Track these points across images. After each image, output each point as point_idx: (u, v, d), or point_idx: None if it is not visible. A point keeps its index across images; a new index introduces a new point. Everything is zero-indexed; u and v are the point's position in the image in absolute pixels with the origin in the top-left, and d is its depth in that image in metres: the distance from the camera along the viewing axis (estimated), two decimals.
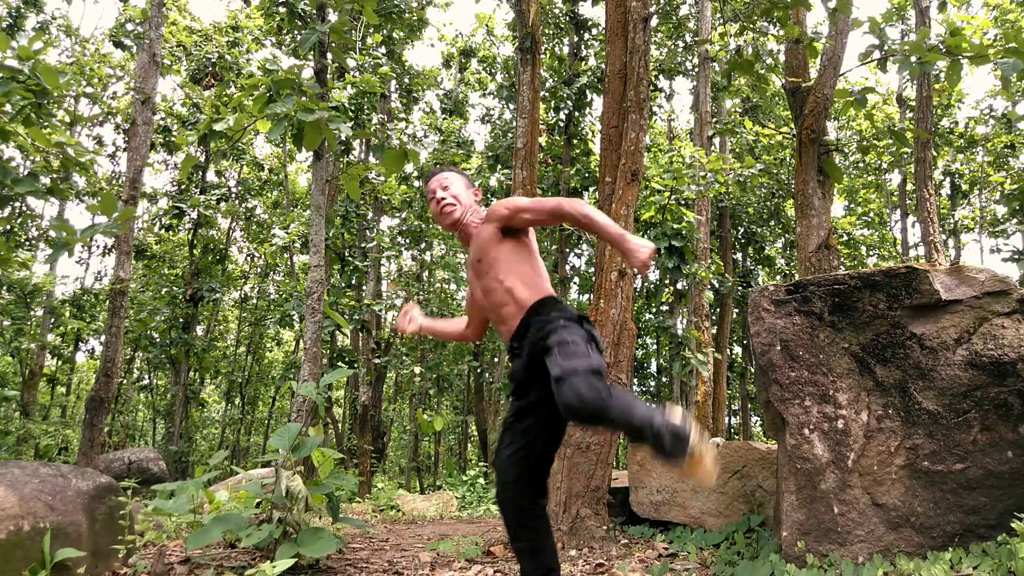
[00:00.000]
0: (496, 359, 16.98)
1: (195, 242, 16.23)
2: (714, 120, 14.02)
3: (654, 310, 17.34)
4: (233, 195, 17.27)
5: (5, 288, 15.22)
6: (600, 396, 2.08)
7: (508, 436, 2.49)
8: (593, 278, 5.92)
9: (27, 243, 14.84)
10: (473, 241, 2.72)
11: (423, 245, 16.72)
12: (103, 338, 9.43)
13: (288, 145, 14.68)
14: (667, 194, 9.83)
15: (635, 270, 2.52)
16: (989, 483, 3.30)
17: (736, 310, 17.25)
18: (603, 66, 10.64)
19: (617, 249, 2.43)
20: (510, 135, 14.03)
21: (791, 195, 15.22)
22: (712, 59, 12.17)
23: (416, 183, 16.32)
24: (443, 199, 2.73)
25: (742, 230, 17.89)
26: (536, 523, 2.48)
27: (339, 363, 12.83)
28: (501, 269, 2.58)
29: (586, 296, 20.45)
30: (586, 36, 14.09)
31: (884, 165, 18.43)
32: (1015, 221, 14.95)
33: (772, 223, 18.00)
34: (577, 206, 2.54)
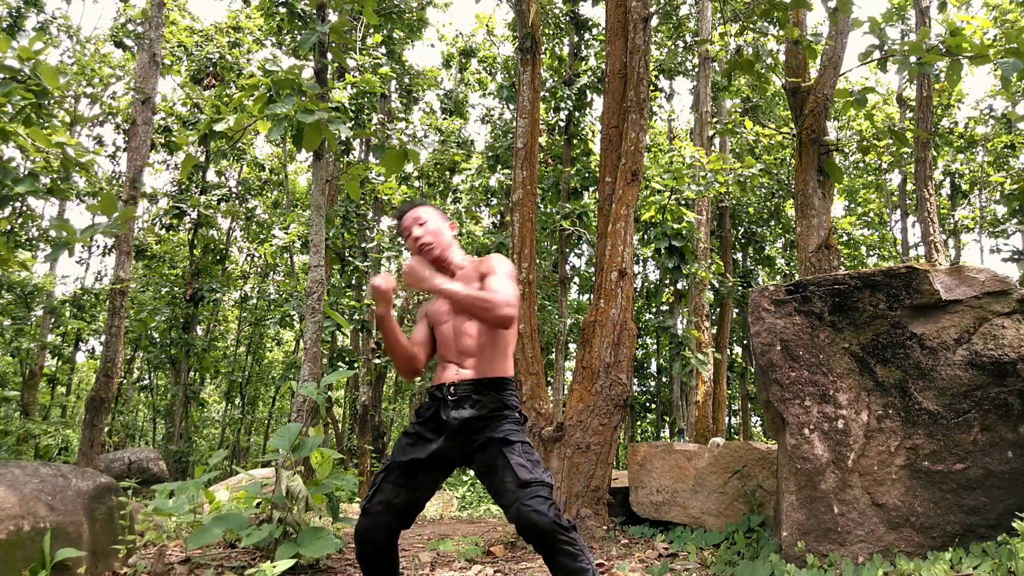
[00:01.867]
0: None
1: (195, 242, 16.23)
2: (714, 120, 14.02)
3: (654, 310, 17.34)
4: (233, 195, 17.28)
5: (5, 288, 15.23)
6: (571, 524, 2.14)
7: (392, 479, 2.36)
8: (593, 278, 5.92)
9: (27, 243, 14.84)
10: (459, 280, 2.56)
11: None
12: (103, 338, 9.43)
13: (288, 145, 14.67)
14: (667, 194, 9.83)
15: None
16: (989, 483, 3.30)
17: (736, 310, 17.24)
18: (603, 66, 10.64)
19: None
20: (510, 135, 14.03)
21: (791, 195, 15.22)
22: (712, 59, 12.17)
23: (416, 183, 16.32)
24: (420, 238, 2.59)
25: (742, 230, 17.89)
26: (392, 550, 2.41)
27: (339, 363, 12.83)
28: (482, 327, 2.45)
29: (586, 296, 20.46)
30: (586, 36, 14.09)
31: (884, 165, 18.43)
32: (1015, 221, 14.95)
33: (772, 223, 18.01)
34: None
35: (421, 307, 2.76)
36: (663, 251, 9.83)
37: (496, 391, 2.41)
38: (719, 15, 13.86)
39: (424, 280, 2.37)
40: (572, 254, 17.84)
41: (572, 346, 17.76)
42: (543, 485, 2.17)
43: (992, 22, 14.36)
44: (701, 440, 10.27)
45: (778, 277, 18.99)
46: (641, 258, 14.50)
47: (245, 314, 20.88)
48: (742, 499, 4.64)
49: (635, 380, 19.29)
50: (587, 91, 13.58)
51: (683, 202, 10.19)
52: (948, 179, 18.18)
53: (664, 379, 18.21)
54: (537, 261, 10.18)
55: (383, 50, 14.73)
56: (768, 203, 17.39)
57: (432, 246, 2.58)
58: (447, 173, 15.81)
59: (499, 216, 15.22)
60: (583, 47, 14.18)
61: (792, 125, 7.83)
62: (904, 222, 18.23)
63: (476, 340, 2.45)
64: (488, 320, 2.34)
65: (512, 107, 14.47)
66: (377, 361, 14.54)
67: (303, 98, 4.24)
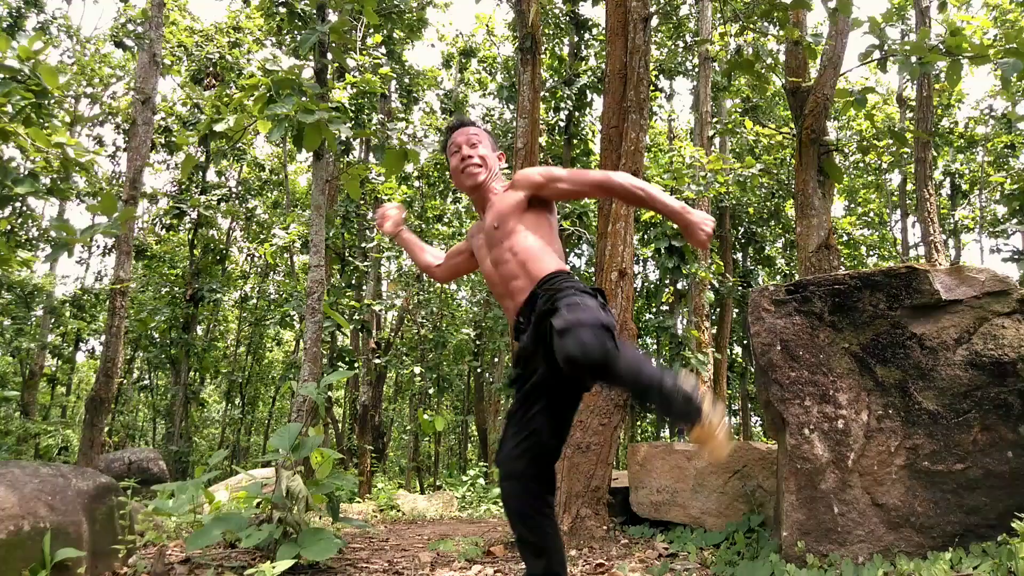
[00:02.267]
0: (496, 359, 16.98)
1: (195, 242, 16.23)
2: (714, 120, 14.02)
3: (654, 310, 17.33)
4: (233, 195, 17.27)
5: (5, 288, 15.23)
6: (604, 346, 1.89)
7: (513, 426, 2.28)
8: (593, 278, 5.92)
9: (27, 243, 14.83)
10: (492, 207, 2.50)
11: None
12: (103, 338, 9.44)
13: (288, 145, 14.67)
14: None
15: (694, 246, 2.31)
16: (989, 483, 3.30)
17: (736, 310, 17.24)
18: (603, 66, 10.65)
19: (677, 223, 2.30)
20: (510, 135, 14.02)
21: (791, 195, 15.22)
22: (712, 59, 12.17)
23: (416, 183, 16.33)
24: (469, 157, 2.48)
25: (742, 230, 17.89)
26: (543, 523, 2.26)
27: (339, 363, 12.83)
28: (518, 240, 2.38)
29: None
30: (586, 36, 14.09)
31: (884, 165, 18.42)
32: (1015, 221, 14.95)
33: (772, 223, 18.00)
34: (630, 180, 2.36)
35: (472, 227, 2.69)
36: (663, 251, 9.83)
37: (543, 286, 2.27)
38: (719, 15, 13.86)
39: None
40: (572, 254, 17.83)
41: None
42: (579, 324, 1.92)
43: (992, 22, 14.35)
44: None
45: (778, 277, 18.99)
46: (641, 258, 14.50)
47: (245, 314, 20.88)
48: (742, 499, 4.64)
49: None
50: (587, 91, 13.58)
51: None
52: (948, 179, 18.18)
53: None
54: None
55: (383, 50, 14.73)
56: (768, 203, 17.39)
57: (479, 170, 2.50)
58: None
59: None
60: (583, 47, 14.18)
61: (792, 125, 7.83)
62: (904, 222, 18.23)
63: (512, 262, 2.36)
64: (615, 192, 2.36)
65: (512, 107, 14.47)
66: (377, 361, 14.54)
67: (303, 98, 4.24)
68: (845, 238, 19.26)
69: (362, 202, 14.34)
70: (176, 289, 16.26)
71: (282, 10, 11.28)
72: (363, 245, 14.51)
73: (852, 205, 21.22)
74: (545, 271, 2.32)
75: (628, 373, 1.93)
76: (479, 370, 16.33)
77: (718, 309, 16.27)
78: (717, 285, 13.46)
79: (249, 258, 20.21)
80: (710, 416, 1.93)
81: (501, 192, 2.54)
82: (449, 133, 2.60)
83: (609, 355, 1.89)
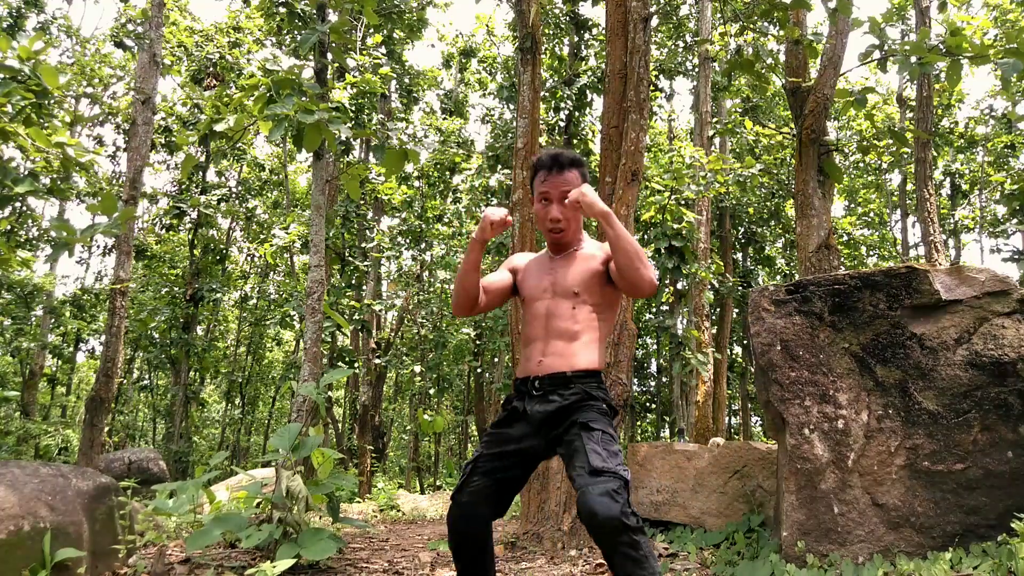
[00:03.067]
0: (496, 359, 16.98)
1: (195, 242, 16.23)
2: (714, 120, 14.02)
3: (654, 310, 17.34)
4: (233, 195, 17.28)
5: (5, 288, 15.23)
6: (639, 525, 1.95)
7: (482, 474, 2.26)
8: None
9: (27, 243, 14.84)
10: (574, 261, 2.40)
11: (423, 245, 16.73)
12: (103, 338, 9.44)
13: (288, 145, 14.68)
14: (667, 194, 9.83)
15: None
16: (989, 483, 3.30)
17: (736, 310, 17.25)
18: (603, 66, 10.65)
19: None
20: (510, 135, 14.02)
21: (791, 195, 15.22)
22: (712, 59, 12.17)
23: (416, 183, 16.33)
24: (559, 219, 2.35)
25: (742, 230, 17.89)
26: (487, 544, 2.32)
27: (339, 363, 12.83)
28: (587, 316, 2.31)
29: None
30: (586, 36, 14.09)
31: (884, 165, 18.43)
32: (1015, 221, 14.95)
33: (772, 223, 18.00)
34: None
35: (512, 258, 2.57)
36: (663, 251, 9.82)
37: (581, 382, 2.25)
38: (719, 15, 13.87)
39: (596, 204, 2.18)
40: None
41: None
42: (616, 477, 1.98)
43: (992, 22, 14.36)
44: (701, 440, 10.27)
45: (778, 277, 18.99)
46: None
47: (245, 314, 20.89)
48: (742, 499, 4.64)
49: (635, 380, 19.30)
50: (587, 91, 13.57)
51: (683, 202, 10.19)
52: (948, 179, 18.18)
53: (664, 379, 18.20)
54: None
55: (383, 50, 14.74)
56: (768, 203, 17.39)
57: (563, 232, 2.38)
58: (447, 173, 15.81)
59: None
60: (583, 47, 14.17)
61: (792, 125, 7.83)
62: (904, 222, 18.23)
63: (568, 324, 2.29)
64: (635, 279, 2.16)
65: (512, 107, 14.47)
66: (377, 361, 14.54)
67: (303, 98, 4.24)
68: (845, 238, 19.26)
69: (362, 202, 14.34)
70: (176, 289, 16.26)
71: (282, 10, 11.29)
72: (363, 245, 14.51)
73: (852, 205, 21.22)
74: (589, 364, 2.29)
75: (628, 563, 1.93)
76: (479, 370, 16.33)
77: (718, 309, 16.27)
78: (717, 285, 13.46)
79: (249, 258, 20.22)
80: None
81: (585, 246, 2.45)
82: (541, 170, 2.41)
83: (638, 534, 1.93)
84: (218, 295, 16.26)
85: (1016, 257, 11.21)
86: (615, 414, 2.29)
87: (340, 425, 15.18)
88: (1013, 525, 3.01)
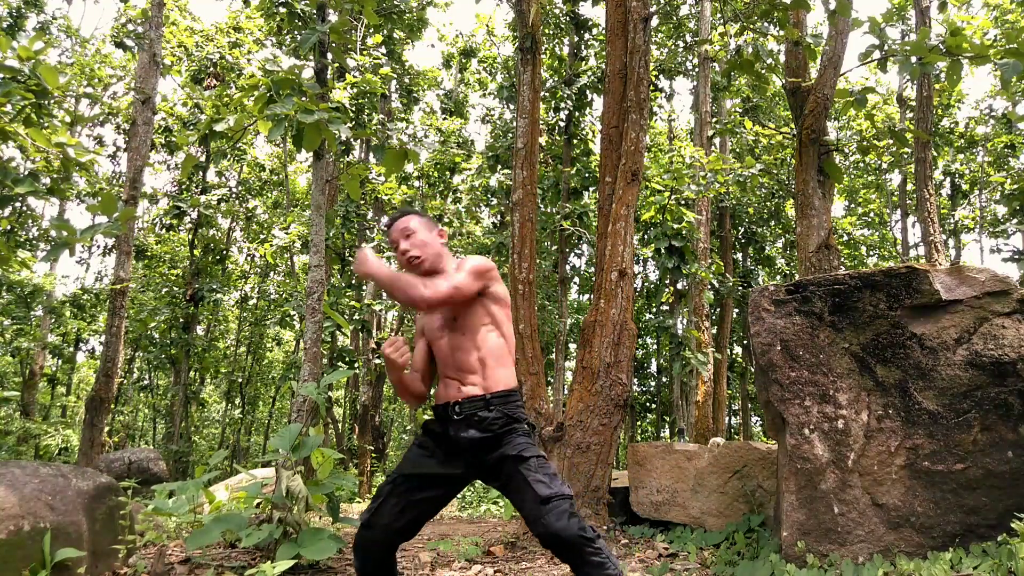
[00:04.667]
0: None
1: (195, 242, 16.23)
2: (714, 120, 14.02)
3: (654, 310, 17.34)
4: (233, 195, 17.28)
5: (5, 288, 15.23)
6: (595, 533, 2.14)
7: (398, 497, 2.32)
8: (593, 278, 5.92)
9: (27, 243, 14.84)
10: None
11: None
12: (103, 338, 9.44)
13: (288, 145, 14.68)
14: (667, 194, 9.83)
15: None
16: (989, 483, 3.30)
17: (736, 310, 17.25)
18: (603, 66, 10.64)
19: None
20: (510, 135, 14.02)
21: (791, 195, 15.22)
22: (712, 59, 12.16)
23: (416, 183, 16.33)
24: (408, 251, 2.50)
25: (742, 230, 17.89)
26: (394, 570, 2.39)
27: (339, 363, 12.83)
28: (479, 335, 2.42)
29: (586, 296, 20.46)
30: (586, 36, 14.08)
31: (884, 165, 18.43)
32: (1015, 221, 14.96)
33: (772, 223, 18.01)
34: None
35: (416, 323, 2.69)
36: (663, 251, 9.83)
37: (501, 405, 2.35)
38: (719, 15, 13.87)
39: (361, 264, 2.33)
40: (572, 254, 17.83)
41: (572, 346, 17.77)
42: (563, 498, 2.16)
43: (992, 22, 14.35)
44: (701, 440, 10.27)
45: (778, 277, 18.99)
46: (641, 258, 14.52)
47: (245, 314, 20.88)
48: (742, 499, 4.64)
49: (635, 380, 19.30)
50: (587, 91, 13.57)
51: (683, 202, 10.19)
52: (948, 179, 18.18)
53: (664, 379, 18.20)
54: (537, 261, 10.20)
55: (383, 50, 14.73)
56: (768, 203, 17.39)
57: (421, 259, 2.49)
58: (447, 173, 15.81)
59: (499, 216, 15.22)
60: (583, 47, 14.17)
61: (792, 125, 7.83)
62: (904, 222, 18.23)
63: (473, 354, 2.40)
64: (402, 301, 2.30)
65: (512, 107, 14.47)
66: (377, 361, 14.53)
67: (303, 98, 4.24)
68: (845, 238, 19.27)
69: (362, 202, 14.34)
70: (176, 289, 16.26)
71: (282, 10, 11.29)
72: (363, 245, 14.50)
73: (852, 205, 21.22)
74: (504, 385, 2.39)
75: (595, 569, 2.10)
76: None
77: (718, 309, 16.27)
78: (717, 285, 13.46)
79: (249, 258, 20.21)
80: None
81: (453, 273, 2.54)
82: (387, 232, 2.67)
83: (596, 544, 2.12)
84: (218, 295, 16.26)
85: (1016, 257, 11.22)
86: (533, 429, 2.45)
87: (340, 425, 15.18)
88: (1013, 525, 3.01)
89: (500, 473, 2.30)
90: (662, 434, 18.91)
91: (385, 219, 2.53)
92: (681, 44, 15.08)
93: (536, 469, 2.23)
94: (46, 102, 4.24)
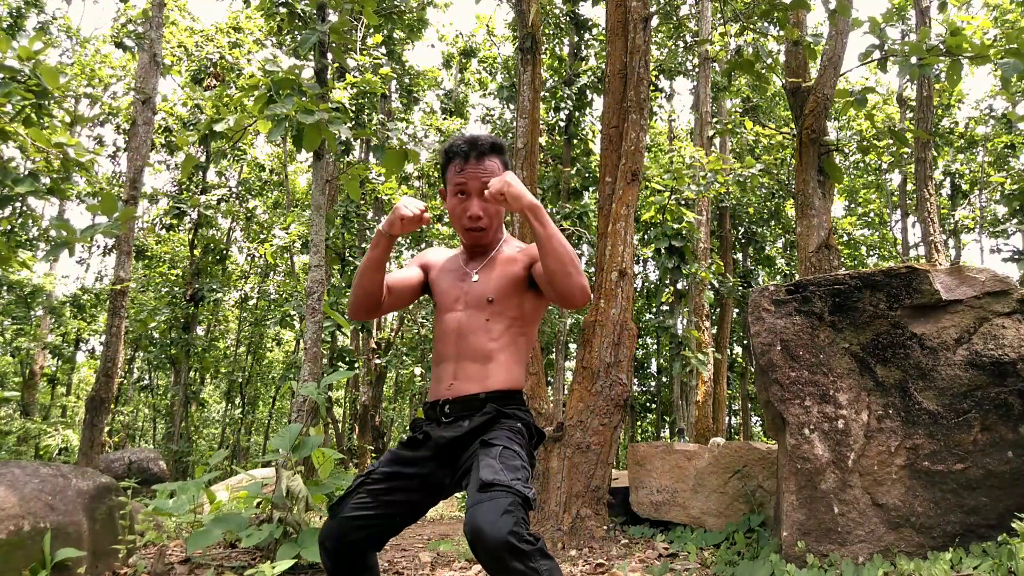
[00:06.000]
0: None
1: (195, 242, 16.24)
2: (714, 120, 14.02)
3: (654, 310, 17.33)
4: (233, 195, 17.28)
5: (5, 288, 15.24)
6: (536, 548, 1.59)
7: (368, 495, 1.91)
8: (593, 278, 5.93)
9: (27, 243, 14.84)
10: (493, 264, 2.07)
11: (423, 245, 16.75)
12: (103, 338, 9.44)
13: (288, 145, 14.69)
14: (667, 194, 9.83)
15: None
16: (989, 483, 3.30)
17: (736, 310, 17.24)
18: (603, 66, 10.64)
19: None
20: (510, 135, 14.02)
21: (791, 195, 15.22)
22: (712, 59, 12.17)
23: (416, 183, 16.33)
24: (477, 215, 2.01)
25: (742, 230, 17.89)
26: (371, 564, 2.00)
27: (339, 363, 12.83)
28: (506, 329, 2.00)
29: None
30: (586, 36, 14.09)
31: (884, 165, 18.43)
32: (1015, 221, 14.95)
33: (772, 223, 18.01)
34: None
35: (425, 253, 2.24)
36: (663, 251, 9.83)
37: (497, 403, 1.95)
38: (719, 15, 13.87)
39: (523, 196, 1.79)
40: None
41: (572, 346, 17.77)
42: (509, 492, 1.63)
43: (992, 22, 14.36)
44: (701, 440, 10.27)
45: (778, 277, 18.99)
46: (641, 258, 14.52)
47: (245, 314, 20.88)
48: (742, 499, 4.64)
49: (635, 380, 19.30)
50: (587, 91, 13.58)
51: (683, 202, 10.19)
52: (948, 179, 18.18)
53: (664, 379, 18.21)
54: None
55: (383, 50, 14.73)
56: (768, 203, 17.39)
57: (487, 231, 2.04)
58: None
59: None
60: (583, 47, 14.18)
61: (792, 125, 7.82)
62: (904, 222, 18.24)
63: (486, 344, 1.97)
64: (566, 286, 1.79)
65: (512, 107, 14.46)
66: (377, 361, 14.54)
67: (303, 98, 4.24)
68: (845, 238, 19.26)
69: (362, 202, 14.34)
70: (176, 289, 16.26)
71: (282, 10, 11.28)
72: (363, 245, 14.51)
73: (852, 205, 21.23)
74: (509, 384, 1.98)
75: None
76: None
77: (718, 309, 16.27)
78: (717, 285, 13.46)
79: (249, 258, 20.22)
80: None
81: (505, 248, 2.10)
82: (456, 158, 2.04)
83: (529, 556, 1.56)
84: (218, 295, 16.27)
85: (1016, 257, 11.21)
86: (535, 436, 1.97)
87: (340, 425, 15.18)
88: (1013, 525, 3.01)
89: (469, 468, 1.86)
90: (662, 434, 18.91)
91: (463, 137, 2.02)
92: (681, 44, 15.08)
93: (496, 456, 1.76)
94: (46, 102, 4.24)
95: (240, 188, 17.64)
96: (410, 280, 2.13)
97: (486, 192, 1.88)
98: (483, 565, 1.60)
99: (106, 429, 9.09)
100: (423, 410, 2.08)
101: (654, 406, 19.77)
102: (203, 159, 15.63)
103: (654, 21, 7.62)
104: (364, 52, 12.27)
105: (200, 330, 18.80)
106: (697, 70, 13.06)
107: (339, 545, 1.90)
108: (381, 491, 1.92)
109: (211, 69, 15.11)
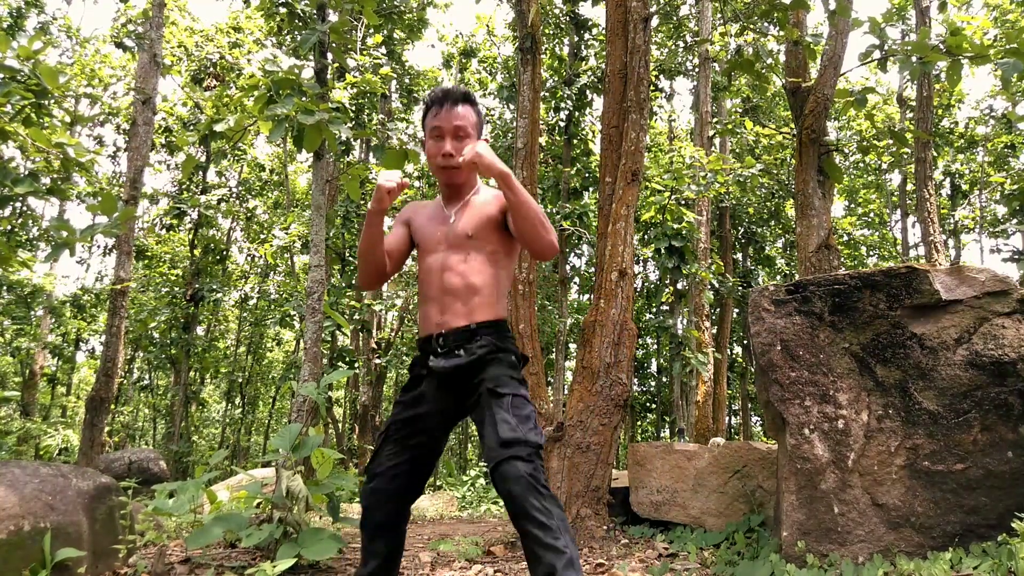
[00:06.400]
0: None
1: (195, 242, 16.24)
2: (714, 120, 14.02)
3: (654, 310, 17.34)
4: (233, 195, 17.29)
5: (5, 288, 15.24)
6: (551, 500, 1.90)
7: (393, 444, 2.17)
8: (593, 278, 5.93)
9: (27, 243, 14.84)
10: (468, 207, 2.29)
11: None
12: (103, 338, 9.44)
13: (288, 145, 14.69)
14: (667, 194, 9.83)
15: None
16: (989, 483, 3.30)
17: (736, 310, 17.25)
18: (603, 66, 10.64)
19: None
20: (510, 135, 14.02)
21: (791, 195, 15.22)
22: (712, 59, 12.17)
23: (416, 183, 16.33)
24: (451, 156, 2.22)
25: (742, 230, 17.90)
26: (401, 525, 2.25)
27: (339, 363, 12.84)
28: (484, 264, 2.20)
29: (586, 296, 20.45)
30: (586, 36, 14.09)
31: (884, 165, 18.44)
32: (1015, 221, 14.95)
33: (772, 223, 18.02)
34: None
35: (404, 210, 2.42)
36: (663, 251, 9.83)
37: (488, 334, 2.14)
38: (719, 15, 13.88)
39: (494, 164, 2.05)
40: (572, 254, 17.83)
41: (572, 346, 17.77)
42: (526, 444, 1.93)
43: (992, 22, 14.36)
44: (701, 440, 10.27)
45: (778, 277, 19.00)
46: (641, 258, 14.53)
47: (245, 314, 20.88)
48: (742, 499, 4.64)
49: (635, 380, 19.29)
50: (587, 91, 13.58)
51: (683, 202, 10.19)
52: (948, 179, 18.19)
53: (664, 379, 18.21)
54: (537, 261, 10.19)
55: (383, 50, 14.73)
56: (768, 203, 17.40)
57: (458, 169, 2.24)
58: None
59: None
60: (583, 47, 14.18)
61: (792, 125, 7.83)
62: (904, 222, 18.24)
63: (470, 279, 2.17)
64: (538, 242, 2.07)
65: (512, 107, 14.47)
66: (377, 361, 14.54)
67: (303, 98, 4.24)
68: (845, 238, 19.27)
69: (362, 202, 14.34)
70: (176, 289, 16.27)
71: (282, 10, 11.28)
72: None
73: (852, 205, 21.23)
74: (493, 315, 2.18)
75: (538, 530, 1.85)
76: None
77: (718, 309, 16.28)
78: (717, 285, 13.47)
79: (249, 258, 20.22)
80: None
81: (481, 192, 2.36)
82: (433, 106, 2.27)
83: (552, 503, 1.88)
84: (218, 295, 16.27)
85: (1016, 257, 11.22)
86: (525, 362, 2.22)
87: (340, 425, 15.18)
88: (1013, 525, 3.01)
89: (477, 407, 2.10)
90: (662, 434, 18.92)
91: (439, 88, 2.37)
92: (681, 44, 15.08)
93: (508, 408, 2.01)
94: (46, 102, 4.24)
95: (240, 188, 17.65)
96: (401, 240, 2.36)
97: (461, 159, 2.17)
98: (508, 508, 1.91)
99: (106, 429, 9.09)
100: (418, 346, 2.28)
101: (654, 406, 19.77)
102: (203, 159, 15.64)
103: (654, 21, 7.62)
104: (364, 52, 12.26)
105: (200, 330, 18.80)
106: (697, 70, 13.06)
107: (382, 498, 2.15)
108: (405, 436, 2.17)
109: (211, 69, 15.11)
